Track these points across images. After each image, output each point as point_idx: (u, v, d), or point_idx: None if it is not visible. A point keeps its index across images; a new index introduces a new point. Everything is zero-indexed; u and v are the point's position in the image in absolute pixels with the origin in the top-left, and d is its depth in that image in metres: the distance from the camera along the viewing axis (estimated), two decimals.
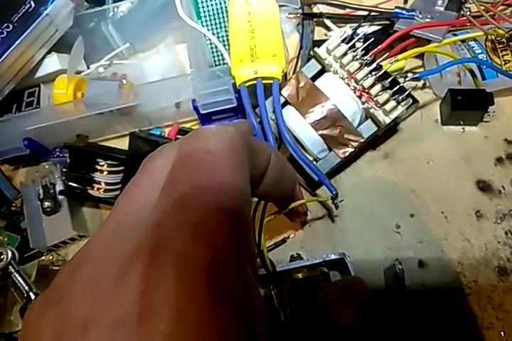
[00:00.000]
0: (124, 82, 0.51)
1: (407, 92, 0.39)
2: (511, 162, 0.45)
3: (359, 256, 0.41)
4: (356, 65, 0.41)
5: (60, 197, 0.48)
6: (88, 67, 0.57)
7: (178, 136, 0.49)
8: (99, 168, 0.47)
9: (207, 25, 0.51)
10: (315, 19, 0.54)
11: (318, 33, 0.54)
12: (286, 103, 0.43)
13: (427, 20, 0.48)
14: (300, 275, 0.36)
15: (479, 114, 0.45)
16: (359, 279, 0.25)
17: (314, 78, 0.44)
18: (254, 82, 0.41)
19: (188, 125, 0.52)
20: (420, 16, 0.48)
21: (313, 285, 0.36)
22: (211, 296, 0.14)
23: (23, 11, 0.48)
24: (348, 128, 0.41)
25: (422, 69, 0.50)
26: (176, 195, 0.16)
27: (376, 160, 0.47)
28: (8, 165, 0.53)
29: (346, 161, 0.43)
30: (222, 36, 0.51)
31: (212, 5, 0.51)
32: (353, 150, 0.41)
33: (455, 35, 0.47)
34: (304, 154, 0.40)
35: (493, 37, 0.46)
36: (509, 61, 0.45)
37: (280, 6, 0.45)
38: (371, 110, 0.41)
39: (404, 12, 0.48)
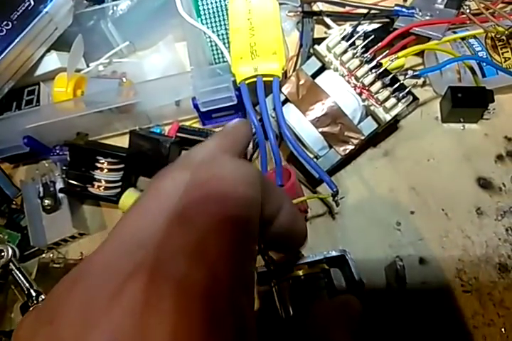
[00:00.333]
0: (124, 80, 0.51)
1: (407, 90, 0.39)
2: (511, 159, 0.45)
3: (360, 254, 0.41)
4: (356, 62, 0.41)
5: (60, 195, 0.48)
6: (88, 66, 0.57)
7: (178, 134, 0.49)
8: (99, 165, 0.47)
9: (206, 23, 0.51)
10: (315, 17, 0.54)
11: (318, 31, 0.54)
12: (286, 100, 0.43)
13: (427, 17, 0.48)
14: (301, 272, 0.36)
15: (479, 112, 0.45)
16: (352, 298, 0.25)
17: (314, 75, 0.44)
18: (255, 79, 0.41)
19: (188, 123, 0.52)
20: (420, 14, 0.48)
21: (314, 282, 0.36)
22: (207, 326, 0.14)
23: (23, 8, 0.48)
24: (349, 125, 0.41)
25: (422, 67, 0.50)
26: (184, 219, 0.16)
27: (376, 158, 0.47)
28: (8, 163, 0.53)
29: (347, 158, 0.43)
30: (222, 34, 0.51)
31: (212, 3, 0.51)
32: (353, 147, 0.41)
33: (455, 32, 0.47)
34: (304, 151, 0.40)
35: (493, 34, 0.46)
36: (509, 58, 0.45)
37: (280, 3, 0.46)
38: (371, 107, 0.41)
39: (404, 10, 0.48)
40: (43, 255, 0.48)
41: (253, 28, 0.43)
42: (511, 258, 0.40)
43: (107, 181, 0.47)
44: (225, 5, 0.50)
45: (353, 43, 0.41)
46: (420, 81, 0.49)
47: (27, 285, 0.41)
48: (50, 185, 0.48)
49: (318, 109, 0.42)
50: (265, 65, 0.41)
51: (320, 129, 0.41)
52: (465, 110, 0.45)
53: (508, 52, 0.45)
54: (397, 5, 0.49)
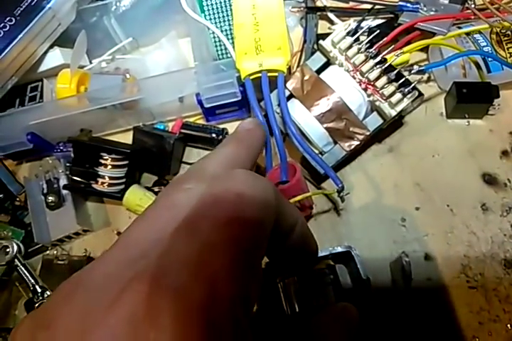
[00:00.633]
0: (128, 76, 0.51)
1: (412, 85, 0.39)
2: None
3: (365, 250, 0.41)
4: (362, 57, 0.40)
5: (64, 192, 0.48)
6: (90, 62, 0.57)
7: (182, 130, 0.49)
8: (103, 162, 0.46)
9: (210, 19, 0.51)
10: (318, 13, 0.54)
11: (322, 26, 0.54)
12: (291, 96, 0.43)
13: (432, 13, 0.47)
14: None
15: (484, 107, 0.45)
16: (349, 306, 0.25)
17: (319, 71, 0.43)
18: (259, 74, 0.41)
19: (191, 119, 0.51)
20: (425, 9, 0.48)
21: (319, 278, 0.36)
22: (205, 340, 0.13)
23: (26, 4, 0.47)
24: (354, 121, 0.41)
25: (426, 63, 0.49)
26: (191, 231, 0.16)
27: (381, 154, 0.46)
28: (11, 160, 0.53)
29: (351, 154, 0.43)
30: (226, 30, 0.51)
31: None
32: (358, 143, 0.41)
33: (460, 28, 0.47)
34: (309, 147, 0.40)
35: (498, 29, 0.46)
36: None
37: None
38: (377, 103, 0.40)
39: (408, 5, 0.48)
40: (47, 252, 0.48)
41: (257, 23, 0.42)
42: None
43: (110, 177, 0.47)
44: (229, 0, 0.50)
45: (358, 39, 0.41)
46: (425, 77, 0.49)
47: (32, 281, 0.41)
48: (54, 182, 0.48)
49: (323, 105, 0.41)
50: (270, 60, 0.40)
51: (325, 125, 0.41)
52: (470, 106, 0.45)
53: None
54: (401, 0, 0.49)
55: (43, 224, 0.47)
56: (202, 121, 0.51)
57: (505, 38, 0.46)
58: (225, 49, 0.50)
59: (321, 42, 0.43)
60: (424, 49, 0.49)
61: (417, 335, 0.38)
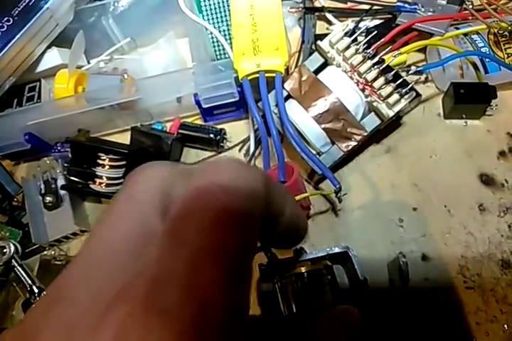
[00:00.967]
0: (125, 76, 0.51)
1: (410, 86, 0.39)
2: None
3: (362, 250, 0.41)
4: (359, 58, 0.40)
5: (62, 192, 0.48)
6: (88, 62, 0.57)
7: (180, 131, 0.49)
8: (100, 162, 0.46)
9: (208, 19, 0.51)
10: (316, 13, 0.54)
11: (320, 27, 0.54)
12: (288, 96, 0.43)
13: (429, 13, 0.47)
14: (304, 269, 0.36)
15: (482, 108, 0.45)
16: (351, 309, 0.25)
17: (317, 71, 0.44)
18: (257, 75, 0.41)
19: (189, 119, 0.51)
20: (422, 10, 0.48)
21: (317, 278, 0.36)
22: None
23: (24, 4, 0.47)
24: (351, 121, 0.41)
25: (424, 63, 0.50)
26: (179, 238, 0.15)
27: (379, 154, 0.46)
28: (9, 160, 0.53)
29: (349, 155, 0.43)
30: (224, 30, 0.51)
31: None
32: (356, 143, 0.41)
33: (457, 28, 0.47)
34: (307, 148, 0.40)
35: (496, 30, 0.46)
36: None
37: None
38: (374, 103, 0.40)
39: (406, 5, 0.48)
40: (45, 252, 0.48)
41: (255, 24, 0.42)
42: None
43: (108, 178, 0.47)
44: (227, 1, 0.50)
45: (356, 39, 0.41)
46: (422, 77, 0.49)
47: (29, 281, 0.41)
48: (52, 182, 0.48)
49: (321, 105, 0.41)
50: (268, 61, 0.41)
51: (322, 125, 0.41)
52: (467, 106, 0.45)
53: (510, 48, 0.45)
54: (399, 1, 0.49)
55: (41, 225, 0.47)
56: (200, 122, 0.51)
57: (503, 39, 0.46)
58: (223, 49, 0.50)
59: (318, 42, 0.43)
60: (422, 49, 0.49)
61: (414, 336, 0.38)
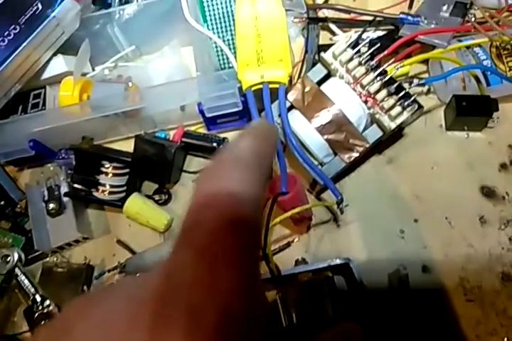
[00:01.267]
0: (130, 84, 0.51)
1: (412, 98, 0.40)
2: None
3: (363, 261, 0.41)
4: (362, 70, 0.41)
5: (65, 199, 0.48)
6: (93, 69, 0.57)
7: (183, 139, 0.50)
8: (104, 170, 0.47)
9: (212, 29, 0.51)
10: (320, 24, 0.54)
11: (324, 37, 0.54)
12: (291, 107, 0.43)
13: (432, 26, 0.48)
14: (305, 280, 0.36)
15: (484, 120, 0.45)
16: (354, 327, 0.25)
17: (320, 83, 0.44)
18: (261, 86, 0.41)
19: (193, 128, 0.52)
20: (425, 22, 0.48)
21: (317, 289, 0.36)
22: None
23: (30, 13, 0.48)
24: (354, 133, 0.41)
25: (426, 75, 0.50)
26: (193, 244, 0.15)
27: (380, 165, 0.47)
28: (12, 167, 0.53)
29: (351, 166, 0.43)
30: (228, 40, 0.51)
31: (218, 8, 0.51)
32: (358, 154, 0.41)
33: (460, 41, 0.47)
34: (309, 158, 0.40)
35: (498, 43, 0.46)
36: None
37: (286, 10, 0.46)
38: (377, 115, 0.41)
39: (409, 18, 0.48)
40: (47, 259, 0.48)
41: (260, 35, 0.43)
42: None
43: (111, 186, 0.47)
44: (232, 11, 0.51)
45: (359, 51, 0.42)
46: (425, 89, 0.49)
47: (32, 290, 0.41)
48: (55, 189, 0.48)
49: (324, 117, 0.42)
50: (271, 72, 0.41)
51: (325, 136, 0.41)
52: (469, 118, 0.45)
53: None
54: (402, 13, 0.49)
55: (44, 231, 0.47)
56: (203, 130, 0.52)
57: (505, 52, 0.46)
58: (227, 58, 0.50)
59: (322, 54, 0.43)
60: (425, 61, 0.49)
61: None
